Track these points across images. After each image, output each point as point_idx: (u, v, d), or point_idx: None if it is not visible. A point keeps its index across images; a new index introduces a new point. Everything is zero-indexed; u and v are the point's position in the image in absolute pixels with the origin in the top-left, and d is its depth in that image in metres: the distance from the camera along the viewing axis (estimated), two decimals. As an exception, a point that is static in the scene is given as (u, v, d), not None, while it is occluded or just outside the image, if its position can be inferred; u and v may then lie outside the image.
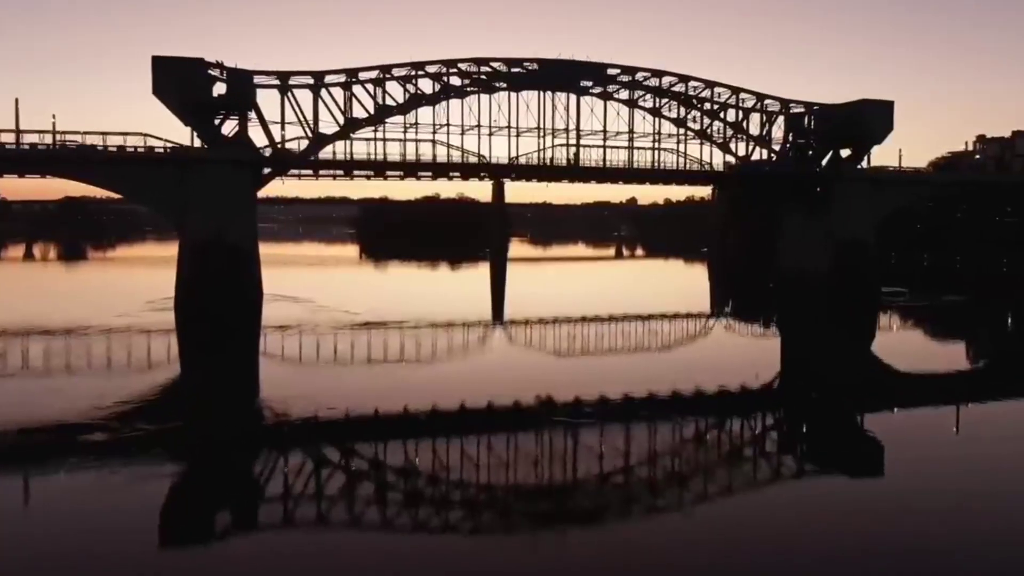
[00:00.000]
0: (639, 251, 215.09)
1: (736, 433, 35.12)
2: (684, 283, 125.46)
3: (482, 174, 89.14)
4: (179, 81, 68.55)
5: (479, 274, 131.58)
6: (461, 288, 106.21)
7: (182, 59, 68.96)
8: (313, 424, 33.03)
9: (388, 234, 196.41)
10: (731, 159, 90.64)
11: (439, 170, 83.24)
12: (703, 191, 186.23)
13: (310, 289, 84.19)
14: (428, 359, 49.80)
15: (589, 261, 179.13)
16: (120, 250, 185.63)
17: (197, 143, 71.20)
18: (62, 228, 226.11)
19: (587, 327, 67.12)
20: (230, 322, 63.56)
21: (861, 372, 50.17)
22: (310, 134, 74.81)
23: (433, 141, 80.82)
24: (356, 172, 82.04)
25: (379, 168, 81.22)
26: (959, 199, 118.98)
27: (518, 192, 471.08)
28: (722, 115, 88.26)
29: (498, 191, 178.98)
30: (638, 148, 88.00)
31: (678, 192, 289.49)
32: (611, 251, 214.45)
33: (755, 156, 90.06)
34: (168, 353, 51.89)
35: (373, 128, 78.28)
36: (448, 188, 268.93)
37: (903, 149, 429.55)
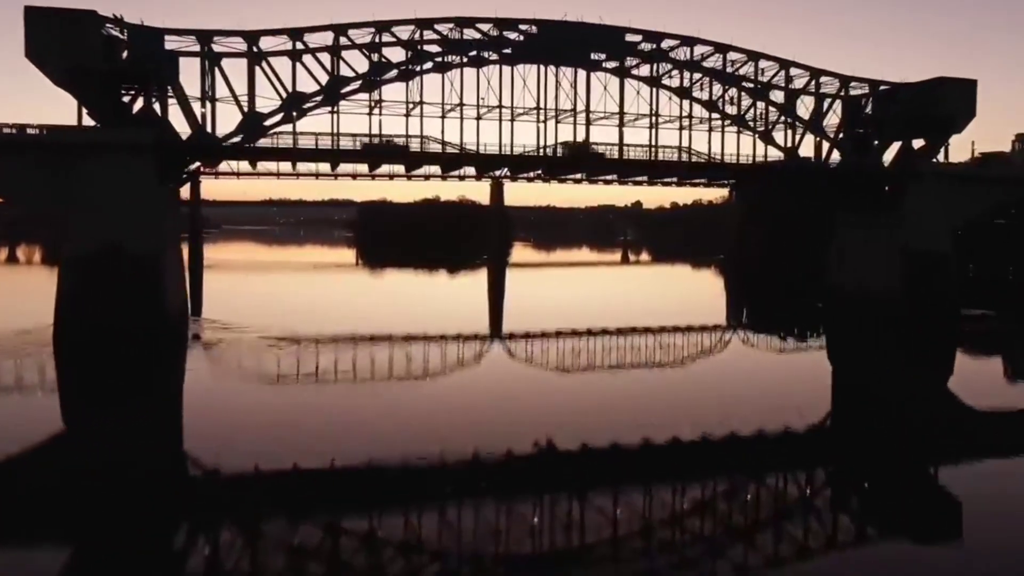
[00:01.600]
0: (645, 256, 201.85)
1: (781, 487, 28.62)
2: (695, 291, 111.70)
3: (465, 169, 70.26)
4: (62, 41, 49.86)
5: (479, 281, 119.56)
6: (458, 296, 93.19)
7: (66, 11, 50.43)
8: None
9: (386, 238, 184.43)
10: (775, 152, 71.02)
11: (413, 162, 64.17)
12: (714, 193, 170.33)
13: (278, 305, 70.70)
14: (409, 386, 42.12)
15: (594, 266, 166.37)
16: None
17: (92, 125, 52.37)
18: (47, 230, 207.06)
19: (593, 342, 57.37)
20: (135, 359, 45.66)
21: (935, 412, 39.76)
22: (242, 114, 55.87)
23: (407, 133, 62.09)
24: (304, 166, 63.02)
25: (332, 158, 62.22)
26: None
27: (520, 193, 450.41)
28: (767, 96, 69.26)
29: (496, 192, 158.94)
30: (664, 147, 69.22)
31: (685, 195, 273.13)
32: (616, 256, 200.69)
33: (797, 148, 71.02)
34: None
35: (330, 109, 59.22)
36: (448, 190, 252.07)
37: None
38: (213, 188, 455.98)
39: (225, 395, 38.98)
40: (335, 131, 59.64)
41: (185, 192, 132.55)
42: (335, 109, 58.76)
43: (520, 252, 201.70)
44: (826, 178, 72.22)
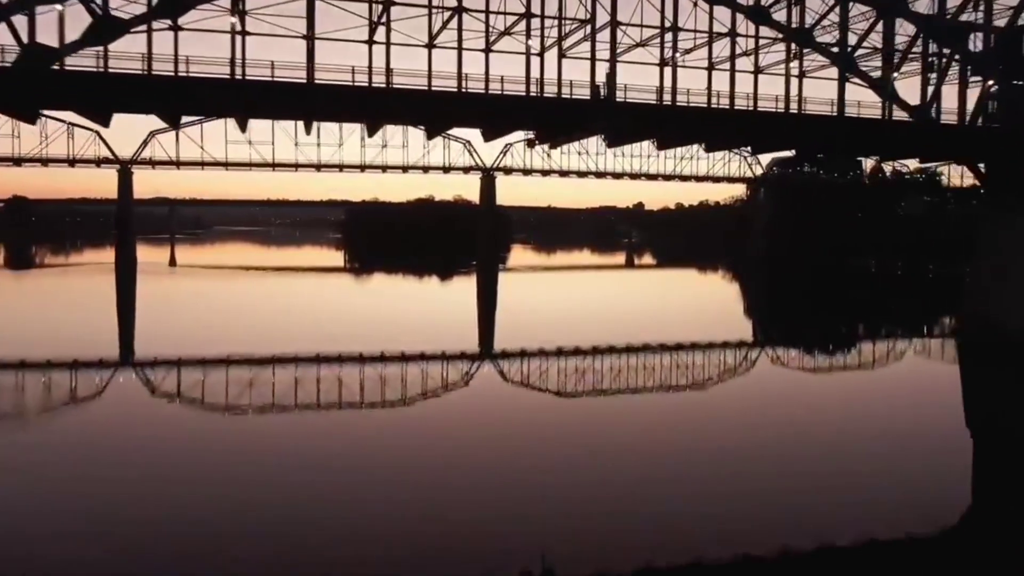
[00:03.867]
0: (649, 259, 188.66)
1: None
2: (708, 297, 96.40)
3: (416, 121, 52.27)
4: None
5: (473, 288, 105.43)
6: (448, 305, 78.73)
7: None
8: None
9: (376, 240, 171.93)
10: (900, 113, 47.72)
11: (301, 100, 41.20)
12: (723, 193, 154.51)
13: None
14: (371, 427, 29.17)
15: (597, 270, 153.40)
16: (87, 255, 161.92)
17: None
18: (10, 231, 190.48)
19: (602, 362, 43.52)
20: None
21: None
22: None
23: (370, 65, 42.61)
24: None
25: (233, 101, 42.10)
26: None
27: (516, 192, 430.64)
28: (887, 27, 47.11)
29: (487, 188, 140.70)
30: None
31: (690, 195, 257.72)
32: (620, 259, 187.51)
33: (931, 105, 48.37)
34: None
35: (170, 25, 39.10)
36: (444, 188, 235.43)
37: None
38: (202, 186, 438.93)
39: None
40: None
41: (112, 185, 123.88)
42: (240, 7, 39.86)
43: (519, 254, 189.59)
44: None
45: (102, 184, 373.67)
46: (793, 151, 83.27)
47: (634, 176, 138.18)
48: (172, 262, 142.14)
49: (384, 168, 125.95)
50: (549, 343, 46.91)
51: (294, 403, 31.76)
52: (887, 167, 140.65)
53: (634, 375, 39.84)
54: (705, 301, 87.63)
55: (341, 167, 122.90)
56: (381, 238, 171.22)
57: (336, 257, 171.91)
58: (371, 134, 54.76)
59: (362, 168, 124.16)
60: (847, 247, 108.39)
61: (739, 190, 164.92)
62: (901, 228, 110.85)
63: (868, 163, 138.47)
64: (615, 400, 35.34)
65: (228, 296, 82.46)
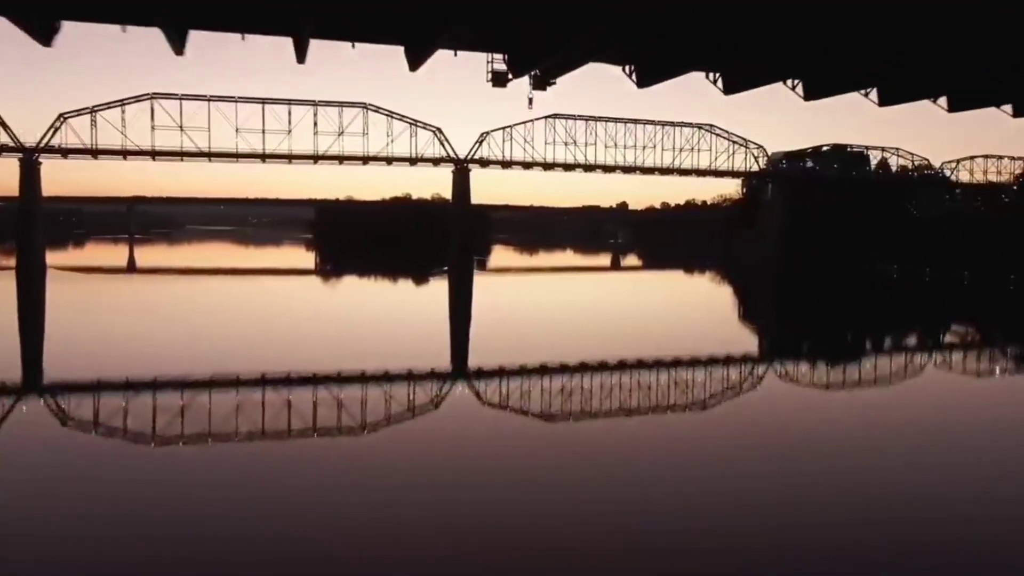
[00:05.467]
0: (634, 260, 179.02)
1: None
2: (701, 302, 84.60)
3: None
4: None
5: (448, 291, 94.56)
6: (420, 311, 68.28)
7: None
8: None
9: (348, 240, 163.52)
10: None
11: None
12: (711, 192, 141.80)
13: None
14: (312, 465, 21.72)
15: (582, 272, 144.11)
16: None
17: None
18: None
19: (591, 381, 33.68)
20: None
21: None
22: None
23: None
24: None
25: None
26: None
27: (496, 189, 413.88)
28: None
29: (461, 182, 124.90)
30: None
31: (676, 194, 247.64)
32: (606, 260, 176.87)
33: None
34: None
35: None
36: (420, 186, 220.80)
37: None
38: (171, 185, 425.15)
39: None
40: None
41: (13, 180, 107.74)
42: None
43: (500, 255, 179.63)
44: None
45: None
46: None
47: (627, 170, 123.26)
48: (131, 265, 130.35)
49: (340, 159, 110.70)
50: (530, 358, 38.05)
51: (225, 435, 24.19)
52: (893, 161, 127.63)
53: (627, 400, 29.76)
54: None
55: (290, 157, 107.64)
56: (354, 238, 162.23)
57: (308, 258, 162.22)
58: (301, 57, 40.16)
59: (315, 159, 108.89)
60: (866, 250, 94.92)
61: (732, 187, 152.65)
62: (923, 229, 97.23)
63: (874, 158, 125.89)
64: (610, 431, 26.35)
65: (173, 303, 71.12)
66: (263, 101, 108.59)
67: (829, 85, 37.41)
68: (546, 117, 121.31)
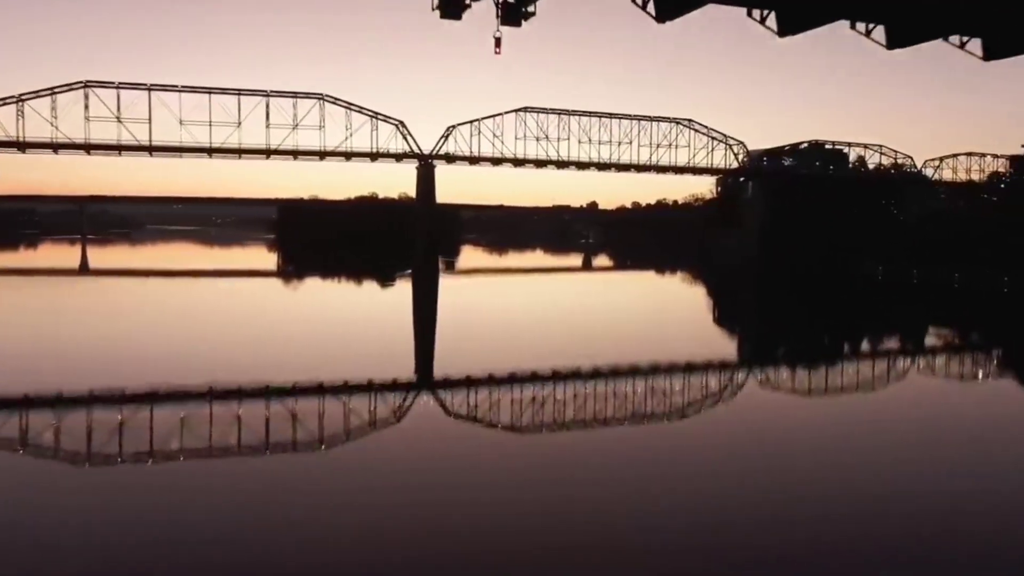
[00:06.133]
0: (606, 260, 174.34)
1: None
2: (676, 303, 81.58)
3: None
4: None
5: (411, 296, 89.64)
6: (383, 317, 62.82)
7: None
8: None
9: (312, 240, 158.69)
10: None
11: None
12: (682, 191, 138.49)
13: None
14: (262, 484, 19.82)
15: (552, 272, 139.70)
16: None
17: None
18: None
19: (566, 391, 30.55)
20: None
21: None
22: None
23: None
24: None
25: None
26: None
27: (464, 188, 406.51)
28: None
29: (425, 179, 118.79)
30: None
31: (648, 193, 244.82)
32: (577, 260, 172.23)
33: None
34: None
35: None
36: (387, 185, 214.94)
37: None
38: (134, 183, 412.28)
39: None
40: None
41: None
42: None
43: (470, 256, 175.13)
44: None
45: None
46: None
47: (602, 167, 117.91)
48: (83, 266, 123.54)
49: (295, 154, 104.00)
50: (498, 367, 34.87)
51: (167, 452, 21.74)
52: (872, 160, 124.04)
53: (606, 413, 27.54)
54: (660, 308, 70.12)
55: (240, 152, 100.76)
56: (319, 238, 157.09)
57: (271, 259, 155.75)
58: None
59: (267, 154, 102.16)
60: (849, 251, 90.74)
61: (704, 187, 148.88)
62: (907, 229, 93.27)
63: (856, 155, 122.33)
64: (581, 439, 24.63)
65: (121, 307, 65.16)
66: (209, 91, 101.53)
67: (917, 30, 29.27)
68: (516, 110, 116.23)
